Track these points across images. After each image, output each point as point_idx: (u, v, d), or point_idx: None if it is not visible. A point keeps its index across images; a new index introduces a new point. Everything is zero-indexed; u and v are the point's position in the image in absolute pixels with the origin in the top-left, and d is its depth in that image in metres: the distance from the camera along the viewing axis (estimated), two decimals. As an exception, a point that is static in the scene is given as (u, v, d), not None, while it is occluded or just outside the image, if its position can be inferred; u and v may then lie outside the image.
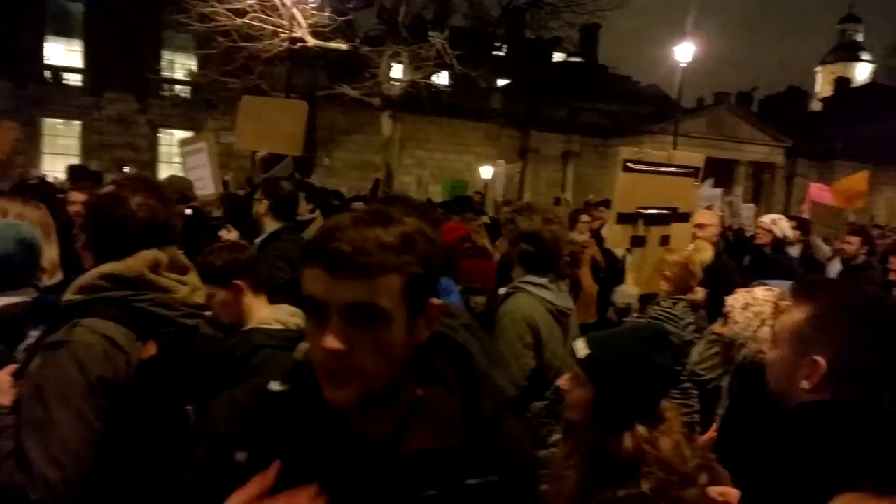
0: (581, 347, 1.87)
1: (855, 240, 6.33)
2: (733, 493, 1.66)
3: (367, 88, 20.11)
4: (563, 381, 1.97)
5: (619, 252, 4.86)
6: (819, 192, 10.49)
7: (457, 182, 15.51)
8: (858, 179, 10.03)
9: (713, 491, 1.72)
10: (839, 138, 39.32)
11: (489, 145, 31.56)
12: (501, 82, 35.06)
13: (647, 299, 4.07)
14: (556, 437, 2.13)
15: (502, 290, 3.05)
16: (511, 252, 3.02)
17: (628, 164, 4.13)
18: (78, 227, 2.09)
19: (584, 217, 7.38)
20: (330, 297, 1.03)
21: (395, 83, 20.54)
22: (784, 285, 2.72)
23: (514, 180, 18.59)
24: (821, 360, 1.42)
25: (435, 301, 1.12)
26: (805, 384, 1.44)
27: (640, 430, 1.74)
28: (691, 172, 4.50)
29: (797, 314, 1.49)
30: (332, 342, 1.02)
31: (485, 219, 7.86)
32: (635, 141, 29.91)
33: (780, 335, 1.53)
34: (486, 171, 19.12)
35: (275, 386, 1.16)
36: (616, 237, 4.29)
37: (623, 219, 4.18)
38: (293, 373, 1.17)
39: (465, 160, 30.63)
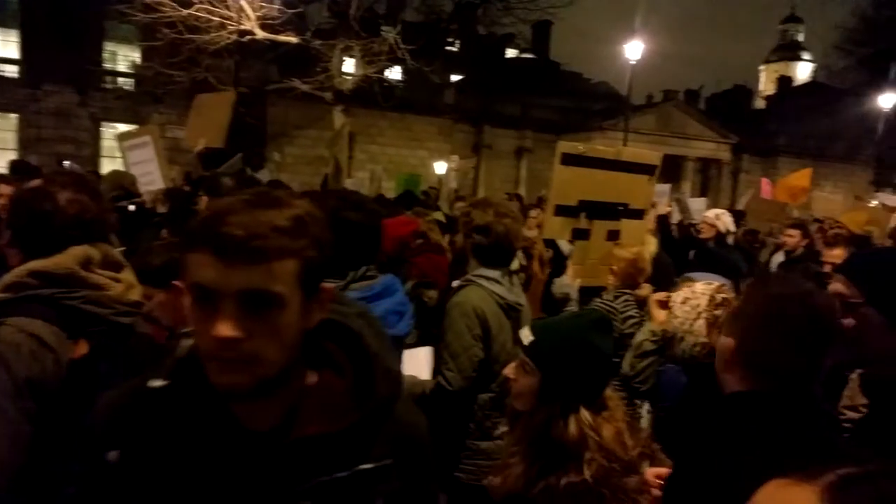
0: (526, 335, 1.89)
1: (795, 233, 6.55)
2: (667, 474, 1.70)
3: (318, 83, 19.83)
4: (508, 370, 1.98)
5: (565, 247, 4.91)
6: (767, 187, 10.84)
7: (410, 177, 15.42)
8: (802, 176, 10.41)
9: (650, 473, 1.74)
10: (782, 135, 40.55)
11: (443, 141, 31.52)
12: (455, 78, 35.09)
13: (589, 292, 4.11)
14: (503, 429, 2.15)
15: (455, 283, 3.08)
16: (466, 245, 3.05)
17: (567, 157, 4.14)
18: (2, 222, 1.99)
19: (533, 212, 7.43)
20: (222, 284, 0.99)
21: (347, 77, 20.32)
22: (711, 278, 2.79)
23: (468, 176, 18.60)
24: (729, 340, 1.50)
25: (327, 285, 1.11)
26: (720, 364, 1.53)
27: (585, 415, 1.76)
28: (646, 169, 4.53)
29: (735, 302, 1.57)
30: (225, 330, 0.99)
31: (438, 215, 7.84)
32: (586, 137, 30.26)
33: (724, 322, 1.63)
34: (441, 167, 19.13)
35: (154, 382, 1.13)
36: (554, 229, 4.33)
37: (562, 211, 4.22)
38: (174, 369, 1.14)
39: (418, 155, 30.54)
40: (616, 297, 3.95)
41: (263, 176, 11.66)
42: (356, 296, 2.25)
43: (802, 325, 1.45)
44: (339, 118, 19.93)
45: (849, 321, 1.60)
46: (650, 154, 4.72)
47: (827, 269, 4.99)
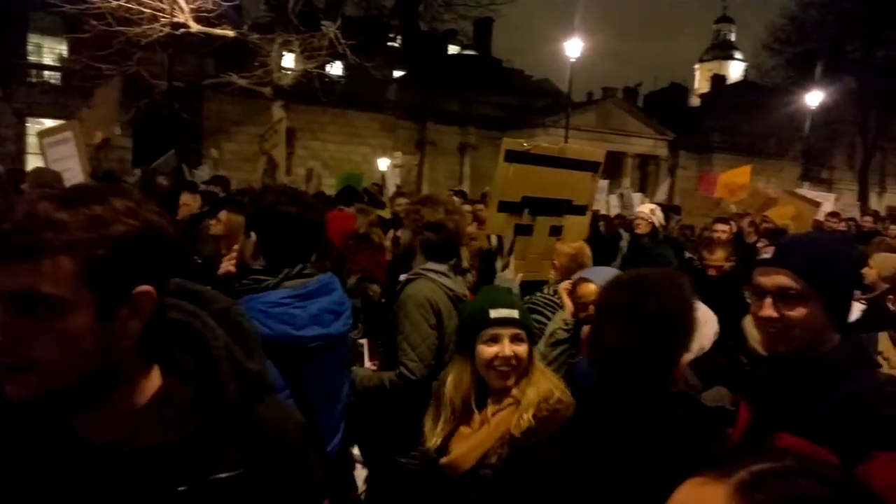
0: (511, 312, 2.02)
1: (724, 227, 6.69)
2: None
3: (256, 77, 19.41)
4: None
5: (495, 241, 4.97)
6: (706, 182, 11.04)
7: (351, 175, 15.19)
8: (741, 173, 10.63)
9: None
10: (716, 132, 41.79)
11: (385, 137, 31.30)
12: (397, 74, 34.89)
13: (530, 286, 4.11)
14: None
15: (403, 277, 3.18)
16: (414, 241, 3.13)
17: (511, 154, 4.17)
18: None
19: (468, 207, 7.42)
20: None
21: (287, 72, 19.94)
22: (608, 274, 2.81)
23: (411, 173, 18.45)
24: (585, 330, 1.62)
25: (142, 289, 0.99)
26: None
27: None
28: (589, 166, 4.57)
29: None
30: None
31: (385, 212, 7.72)
32: (529, 134, 30.53)
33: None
34: (384, 163, 18.94)
35: None
36: (497, 224, 4.34)
37: (505, 207, 4.24)
38: None
39: (361, 152, 30.24)
40: (555, 292, 3.92)
41: (203, 173, 11.26)
42: (286, 294, 2.18)
43: (645, 316, 1.43)
44: (278, 113, 19.52)
45: (798, 312, 1.61)
46: (594, 151, 4.76)
47: (711, 272, 5.04)
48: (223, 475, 1.05)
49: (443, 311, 2.97)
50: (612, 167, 31.48)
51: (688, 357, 1.51)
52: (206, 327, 1.11)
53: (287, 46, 19.48)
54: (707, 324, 2.81)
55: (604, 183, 12.40)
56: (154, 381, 1.09)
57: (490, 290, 2.75)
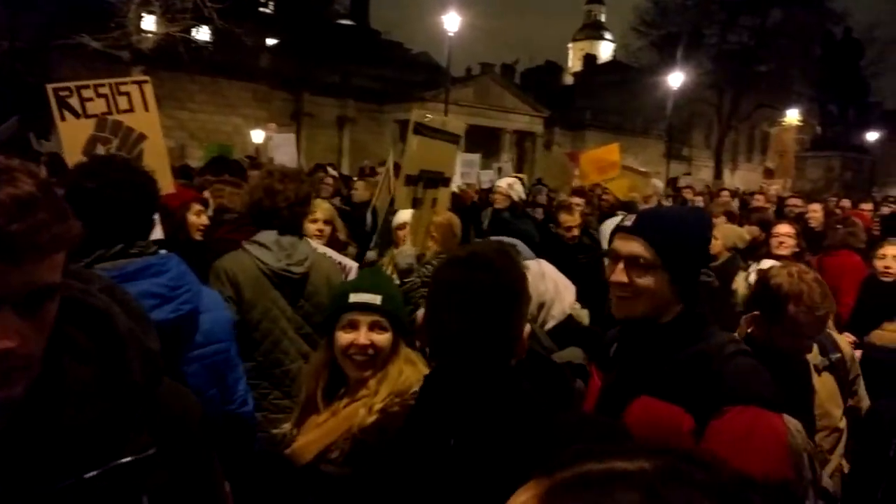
0: (373, 298, 1.89)
1: (579, 200, 6.85)
2: None
3: (112, 40, 17.89)
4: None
5: (369, 218, 4.96)
6: (576, 160, 11.24)
7: (222, 147, 14.39)
8: (610, 150, 10.64)
9: None
10: (588, 110, 43.43)
11: (259, 107, 29.97)
12: (270, 41, 33.50)
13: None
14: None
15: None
16: (250, 209, 3.11)
17: (419, 127, 4.21)
18: None
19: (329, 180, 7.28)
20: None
21: (147, 35, 18.53)
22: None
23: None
24: (421, 310, 1.49)
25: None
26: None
27: (409, 350, 1.93)
28: (456, 139, 4.69)
29: None
30: (6, 342, 0.87)
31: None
32: (409, 108, 30.33)
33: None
34: (258, 135, 18.10)
35: None
36: (402, 199, 4.36)
37: (409, 181, 4.26)
38: None
39: (232, 122, 28.83)
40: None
41: (54, 143, 10.13)
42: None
43: (478, 291, 1.40)
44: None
45: (646, 280, 1.68)
46: (459, 124, 4.90)
47: (567, 237, 5.57)
48: (133, 458, 1.03)
49: (243, 284, 2.86)
50: (490, 143, 31.97)
51: (529, 329, 1.51)
52: (106, 304, 1.07)
53: (147, 7, 18.07)
54: (568, 289, 2.83)
55: (475, 157, 12.56)
56: (52, 361, 1.02)
57: (364, 273, 2.66)
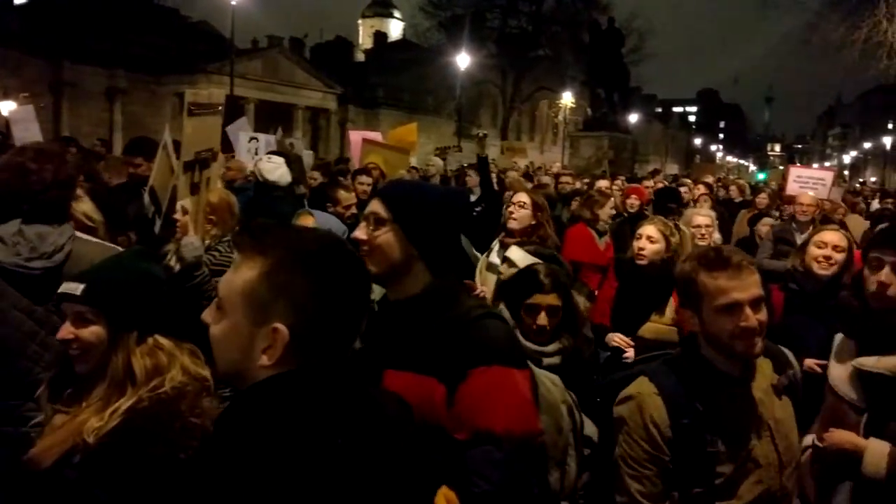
0: (75, 287, 1.74)
1: (364, 178, 6.61)
2: None
3: None
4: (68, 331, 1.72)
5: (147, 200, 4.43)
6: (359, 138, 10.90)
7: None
8: (409, 130, 10.74)
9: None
10: (381, 88, 43.53)
11: (8, 76, 26.07)
12: (19, 1, 29.31)
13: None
14: None
15: None
16: None
17: (192, 108, 3.79)
18: None
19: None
20: None
21: None
22: None
23: (39, 117, 15.51)
24: (281, 327, 1.16)
25: None
26: (265, 360, 1.17)
27: (161, 340, 1.77)
28: (219, 111, 4.31)
29: (247, 272, 1.20)
30: None
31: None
32: (191, 80, 28.33)
33: (229, 300, 1.21)
34: (5, 107, 15.78)
35: None
36: (184, 188, 3.88)
37: (187, 168, 3.82)
38: None
39: (-27, 93, 24.81)
40: (230, 246, 3.70)
41: None
42: None
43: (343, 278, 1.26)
44: None
45: (379, 235, 1.72)
46: (219, 93, 4.48)
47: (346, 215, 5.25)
48: None
49: None
50: (282, 120, 30.82)
51: None
52: None
53: None
54: None
55: (268, 136, 11.93)
56: None
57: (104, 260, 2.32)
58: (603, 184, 9.11)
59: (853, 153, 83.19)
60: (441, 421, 1.59)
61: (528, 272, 2.83)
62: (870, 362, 2.12)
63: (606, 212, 5.94)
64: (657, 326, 3.54)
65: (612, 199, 5.99)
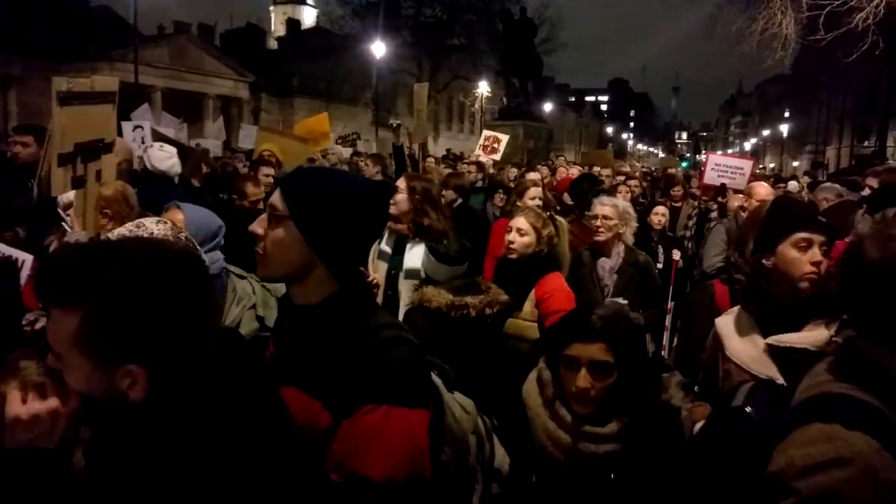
0: None
1: (267, 170, 6.48)
2: None
3: None
4: None
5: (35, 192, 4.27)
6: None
7: None
8: (320, 120, 10.65)
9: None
10: (295, 76, 42.63)
11: None
12: None
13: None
14: None
15: None
16: None
17: (62, 96, 3.60)
18: None
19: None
20: None
21: None
22: None
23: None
24: (134, 367, 1.19)
25: None
26: (135, 395, 1.21)
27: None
28: (110, 98, 4.14)
29: (69, 323, 1.16)
30: None
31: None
32: (92, 68, 26.92)
33: (67, 355, 1.19)
34: None
35: None
36: (58, 183, 3.70)
37: (63, 160, 3.64)
38: None
39: None
40: None
41: None
42: None
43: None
44: None
45: (275, 232, 1.54)
46: (110, 80, 4.26)
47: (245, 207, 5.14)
48: None
49: None
50: (192, 109, 29.75)
51: None
52: None
53: None
54: None
55: (176, 120, 11.65)
56: None
57: None
58: (533, 176, 9.20)
59: (753, 140, 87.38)
60: (321, 452, 1.45)
61: (575, 312, 2.21)
62: (793, 338, 2.00)
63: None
64: (517, 322, 3.36)
65: (539, 187, 5.85)
